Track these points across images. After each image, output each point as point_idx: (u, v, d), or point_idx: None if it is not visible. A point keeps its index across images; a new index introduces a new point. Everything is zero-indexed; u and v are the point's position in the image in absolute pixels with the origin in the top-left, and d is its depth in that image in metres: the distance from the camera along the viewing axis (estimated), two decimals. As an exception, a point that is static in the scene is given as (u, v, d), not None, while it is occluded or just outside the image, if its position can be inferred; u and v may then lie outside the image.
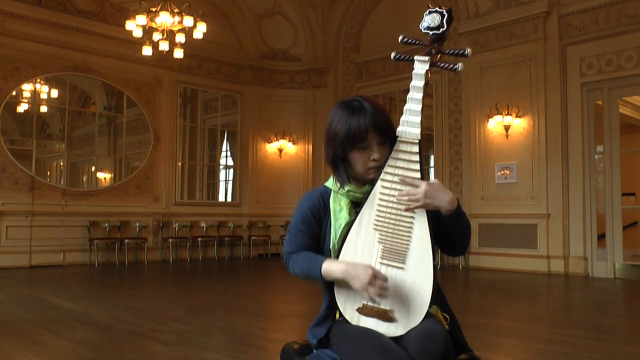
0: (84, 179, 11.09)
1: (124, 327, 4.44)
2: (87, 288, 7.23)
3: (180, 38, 8.51)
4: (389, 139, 1.63)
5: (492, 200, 9.31)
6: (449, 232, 1.63)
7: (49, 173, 10.55)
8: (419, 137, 1.58)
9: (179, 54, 8.71)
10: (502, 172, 9.19)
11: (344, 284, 1.61)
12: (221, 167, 12.54)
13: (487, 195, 9.37)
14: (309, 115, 12.37)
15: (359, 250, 1.60)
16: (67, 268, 9.10)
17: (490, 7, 9.45)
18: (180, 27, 8.35)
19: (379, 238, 1.59)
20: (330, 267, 1.59)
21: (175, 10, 8.24)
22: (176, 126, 11.20)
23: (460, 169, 9.94)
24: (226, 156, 12.62)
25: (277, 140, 12.28)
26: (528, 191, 8.90)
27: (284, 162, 12.35)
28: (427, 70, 1.61)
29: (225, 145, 12.57)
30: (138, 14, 8.10)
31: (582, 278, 8.18)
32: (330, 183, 1.72)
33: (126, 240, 9.97)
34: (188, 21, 8.27)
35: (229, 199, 12.39)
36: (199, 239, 10.93)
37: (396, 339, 1.53)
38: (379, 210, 1.59)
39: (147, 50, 8.56)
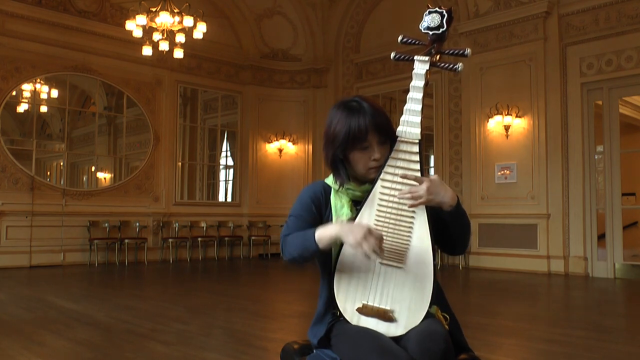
0: (84, 179, 11.09)
1: (124, 327, 4.44)
2: (87, 288, 7.23)
3: (180, 38, 8.51)
4: (388, 138, 1.63)
5: (492, 200, 9.31)
6: (449, 231, 1.63)
7: (49, 173, 10.55)
8: (419, 137, 1.58)
9: (179, 54, 8.71)
10: (502, 172, 9.19)
11: (343, 283, 1.61)
12: (221, 167, 12.55)
13: (487, 195, 9.37)
14: (309, 115, 12.37)
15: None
16: (67, 268, 9.10)
17: (490, 7, 9.45)
18: (180, 27, 8.35)
19: (379, 238, 1.58)
20: (323, 231, 1.56)
21: (175, 10, 8.24)
22: (176, 126, 11.20)
23: (460, 169, 9.94)
24: (226, 156, 12.62)
25: (277, 140, 12.28)
26: (528, 191, 8.90)
27: (284, 162, 12.35)
28: (427, 70, 1.61)
29: (225, 145, 12.57)
30: (138, 14, 8.10)
31: (582, 278, 8.18)
32: (331, 181, 1.72)
33: (126, 240, 9.97)
34: (188, 21, 8.27)
35: (229, 199, 12.39)
36: (199, 239, 10.93)
37: (396, 339, 1.53)
38: (378, 210, 1.59)
39: (147, 50, 8.56)
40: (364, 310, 1.57)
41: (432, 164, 10.49)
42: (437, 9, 1.63)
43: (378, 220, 1.59)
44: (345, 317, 1.61)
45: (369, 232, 1.48)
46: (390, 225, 1.57)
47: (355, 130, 1.59)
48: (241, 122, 12.16)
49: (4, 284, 7.13)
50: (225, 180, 12.57)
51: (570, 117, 8.63)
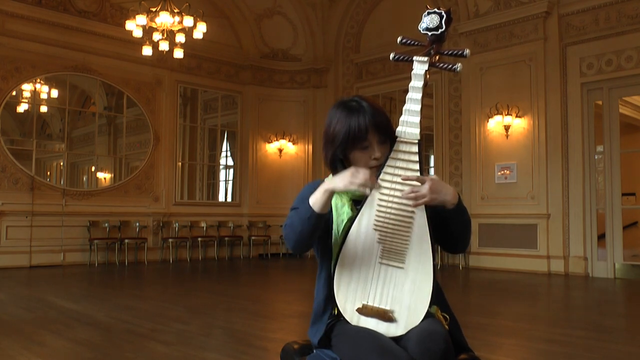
0: (84, 179, 11.09)
1: (124, 327, 4.44)
2: (87, 288, 7.23)
3: (180, 38, 8.51)
4: (388, 137, 1.63)
5: (492, 200, 9.31)
6: (450, 229, 1.63)
7: (49, 173, 10.55)
8: (419, 137, 1.58)
9: (179, 54, 8.71)
10: (502, 172, 9.19)
11: (343, 284, 1.61)
12: (221, 167, 12.55)
13: (487, 195, 9.38)
14: (309, 115, 12.37)
15: (359, 250, 1.60)
16: (67, 268, 9.10)
17: (490, 7, 9.45)
18: (180, 27, 8.35)
19: (379, 238, 1.59)
20: (314, 194, 1.57)
21: (175, 10, 8.24)
22: (176, 126, 11.20)
23: (460, 169, 9.94)
24: (226, 156, 12.62)
25: (277, 140, 12.28)
26: (528, 191, 8.90)
27: (284, 162, 12.35)
28: (426, 71, 1.61)
29: (225, 145, 12.57)
30: (138, 14, 8.10)
31: (582, 278, 8.18)
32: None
33: (126, 240, 9.98)
34: (188, 21, 8.27)
35: (229, 199, 12.40)
36: (199, 239, 10.93)
37: (396, 339, 1.53)
38: (378, 211, 1.59)
39: (147, 50, 8.56)
40: (364, 311, 1.57)
41: (432, 164, 10.49)
42: (435, 9, 1.63)
43: (378, 220, 1.59)
44: (345, 317, 1.61)
45: (356, 170, 1.52)
46: (390, 225, 1.58)
47: (355, 129, 1.60)
48: (241, 122, 12.17)
49: (4, 284, 7.13)
50: (225, 180, 12.57)
51: (570, 117, 8.64)
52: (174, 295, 6.49)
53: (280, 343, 2.09)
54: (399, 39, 1.70)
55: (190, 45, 9.23)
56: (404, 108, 1.61)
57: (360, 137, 1.60)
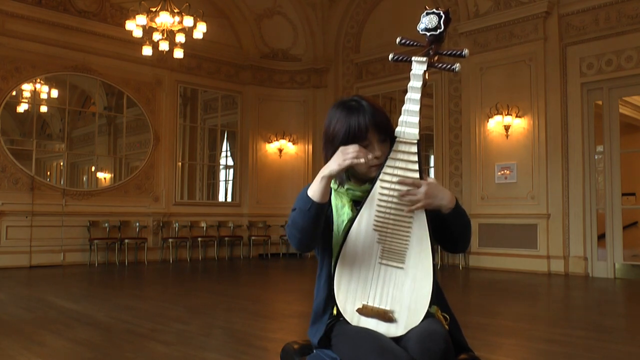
0: (84, 179, 11.09)
1: (124, 327, 4.44)
2: (87, 288, 7.23)
3: (180, 38, 8.51)
4: (388, 136, 1.63)
5: (492, 200, 9.31)
6: (450, 231, 1.63)
7: (49, 173, 10.56)
8: (418, 138, 1.58)
9: (179, 54, 8.71)
10: (502, 172, 9.19)
11: (343, 284, 1.61)
12: (221, 167, 12.55)
13: (487, 195, 9.37)
14: (309, 115, 12.37)
15: (359, 250, 1.60)
16: (67, 268, 9.10)
17: (490, 7, 9.45)
18: (180, 27, 8.35)
19: (379, 238, 1.59)
20: (312, 185, 1.57)
21: (175, 10, 8.24)
22: (176, 126, 11.20)
23: (460, 169, 9.94)
24: (226, 156, 12.62)
25: (277, 140, 12.28)
26: (528, 191, 8.90)
27: (284, 162, 12.35)
28: (424, 71, 1.61)
29: (225, 145, 12.57)
30: (138, 14, 8.10)
31: (582, 278, 8.18)
32: (331, 181, 1.71)
33: (126, 240, 9.98)
34: (188, 21, 8.27)
35: (229, 199, 12.40)
36: (199, 239, 10.93)
37: (396, 339, 1.53)
38: (378, 211, 1.59)
39: (147, 50, 8.56)
40: (364, 311, 1.57)
41: (432, 164, 10.49)
42: (434, 10, 1.64)
43: (377, 221, 1.59)
44: (345, 317, 1.61)
45: (344, 147, 1.53)
46: (390, 226, 1.58)
47: (355, 128, 1.60)
48: (241, 122, 12.17)
49: (4, 284, 7.13)
50: (225, 180, 12.57)
51: (570, 117, 8.64)
52: (174, 295, 6.49)
53: (280, 343, 2.09)
54: (398, 40, 1.70)
55: (190, 45, 9.23)
56: (403, 108, 1.61)
57: (360, 136, 1.60)
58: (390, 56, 1.72)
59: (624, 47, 8.11)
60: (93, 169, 10.78)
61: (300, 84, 12.48)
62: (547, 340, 4.21)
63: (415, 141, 1.58)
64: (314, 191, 1.55)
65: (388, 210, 1.58)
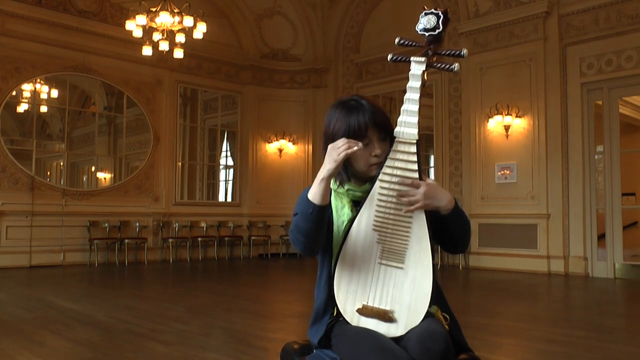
0: (84, 179, 11.09)
1: (124, 327, 4.44)
2: (87, 288, 7.23)
3: (180, 38, 8.51)
4: (388, 135, 1.63)
5: (492, 200, 9.31)
6: (449, 231, 1.63)
7: (49, 173, 10.56)
8: (417, 138, 1.58)
9: (179, 54, 8.71)
10: (502, 172, 9.19)
11: (342, 284, 1.61)
12: (221, 167, 12.55)
13: (487, 195, 9.37)
14: (309, 115, 12.38)
15: (358, 251, 1.60)
16: (67, 268, 9.10)
17: (490, 7, 9.45)
18: (180, 27, 8.35)
19: (378, 238, 1.59)
20: (312, 188, 1.57)
21: (175, 10, 8.24)
22: (176, 126, 11.20)
23: (460, 169, 9.94)
24: (226, 156, 12.62)
25: (277, 140, 12.28)
26: (528, 191, 8.90)
27: (284, 162, 12.35)
28: (423, 71, 1.61)
29: (225, 145, 12.57)
30: (138, 14, 8.10)
31: (582, 278, 8.18)
32: (331, 182, 1.71)
33: (126, 240, 9.98)
34: (188, 21, 8.27)
35: (229, 199, 12.40)
36: (199, 239, 10.93)
37: (396, 339, 1.53)
38: (377, 211, 1.59)
39: (147, 50, 8.56)
40: (364, 311, 1.57)
41: (432, 164, 10.49)
42: (432, 10, 1.64)
43: (377, 221, 1.59)
44: (346, 318, 1.61)
45: (333, 144, 1.53)
46: (390, 226, 1.58)
47: (355, 127, 1.60)
48: (241, 122, 12.17)
49: (4, 284, 7.13)
50: (225, 180, 12.57)
51: (570, 117, 8.64)
52: (174, 295, 6.49)
53: (280, 343, 2.09)
54: (396, 40, 1.70)
55: (190, 45, 9.23)
56: (401, 108, 1.61)
57: (360, 134, 1.60)
58: (389, 56, 1.72)
59: (624, 47, 8.11)
60: (93, 169, 10.78)
61: (300, 84, 12.48)
62: (547, 340, 4.21)
63: (415, 141, 1.58)
64: (314, 194, 1.55)
65: (387, 211, 1.58)
